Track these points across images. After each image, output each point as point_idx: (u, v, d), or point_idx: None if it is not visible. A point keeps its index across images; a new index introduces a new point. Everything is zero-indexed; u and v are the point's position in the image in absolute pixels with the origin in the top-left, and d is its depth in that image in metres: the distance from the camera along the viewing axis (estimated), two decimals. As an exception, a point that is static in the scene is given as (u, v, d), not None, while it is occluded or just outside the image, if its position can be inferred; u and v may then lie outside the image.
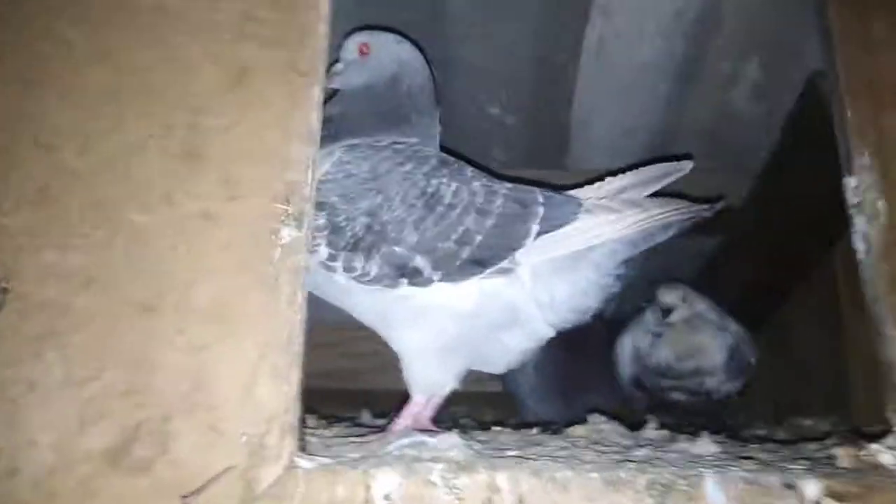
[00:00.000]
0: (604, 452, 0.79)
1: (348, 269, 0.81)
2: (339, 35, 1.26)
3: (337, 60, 1.05)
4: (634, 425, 1.00)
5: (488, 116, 1.50)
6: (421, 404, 0.90)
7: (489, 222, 0.83)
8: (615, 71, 1.38)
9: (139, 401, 0.62)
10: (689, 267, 1.80)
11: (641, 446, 0.83)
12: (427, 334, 0.86)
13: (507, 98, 1.46)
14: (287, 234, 0.67)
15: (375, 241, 0.81)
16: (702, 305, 1.39)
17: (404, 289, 0.82)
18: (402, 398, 0.91)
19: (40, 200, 0.68)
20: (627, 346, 1.48)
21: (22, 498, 0.60)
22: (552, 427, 1.03)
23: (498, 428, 0.94)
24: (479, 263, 0.83)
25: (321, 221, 0.81)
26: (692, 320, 1.40)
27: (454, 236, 0.82)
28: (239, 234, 0.67)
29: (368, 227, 0.81)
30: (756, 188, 1.52)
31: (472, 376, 2.15)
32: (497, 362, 0.97)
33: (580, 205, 0.88)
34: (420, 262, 0.81)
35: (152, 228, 0.67)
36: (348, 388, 1.90)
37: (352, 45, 1.05)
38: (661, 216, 0.90)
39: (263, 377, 0.63)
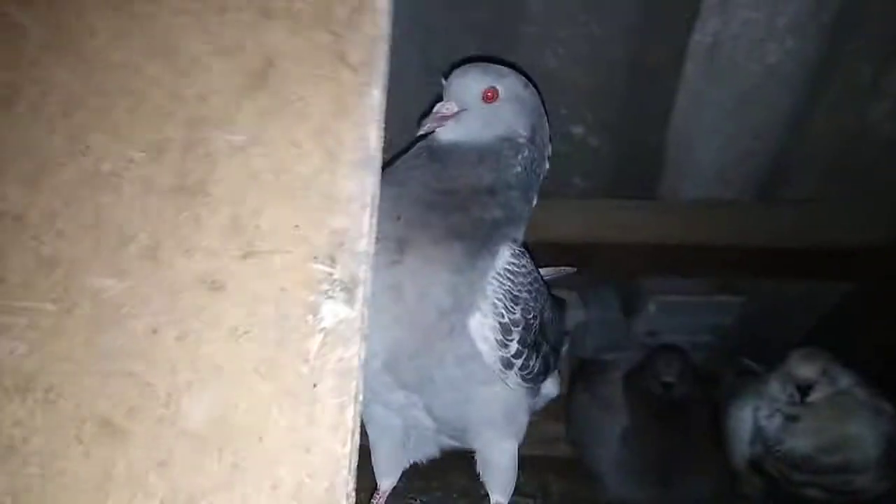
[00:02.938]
0: None
1: (524, 366, 0.79)
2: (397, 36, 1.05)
3: (437, 100, 0.82)
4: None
5: (569, 137, 1.25)
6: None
7: None
8: (728, 80, 1.13)
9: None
10: (810, 312, 1.51)
11: None
12: (520, 435, 0.86)
13: (593, 115, 1.21)
14: (332, 311, 0.43)
15: (541, 341, 0.83)
16: (847, 380, 1.10)
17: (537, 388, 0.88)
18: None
19: None
20: (746, 421, 1.19)
21: None
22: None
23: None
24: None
25: (516, 316, 0.77)
26: (839, 401, 1.10)
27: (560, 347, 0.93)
28: (257, 313, 0.43)
29: (542, 325, 0.82)
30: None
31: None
32: None
33: None
34: (553, 363, 0.88)
35: (128, 302, 0.44)
36: None
37: (474, 87, 0.80)
38: None
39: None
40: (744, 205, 1.33)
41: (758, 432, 1.16)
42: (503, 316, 0.75)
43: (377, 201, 0.46)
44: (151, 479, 0.40)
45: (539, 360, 0.82)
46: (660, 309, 1.62)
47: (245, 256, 0.43)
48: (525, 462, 1.88)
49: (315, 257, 0.43)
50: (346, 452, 0.40)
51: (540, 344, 0.82)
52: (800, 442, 1.07)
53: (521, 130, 0.83)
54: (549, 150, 0.89)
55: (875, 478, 1.06)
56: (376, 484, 0.90)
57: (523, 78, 0.87)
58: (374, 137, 0.46)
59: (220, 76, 0.48)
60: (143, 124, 0.47)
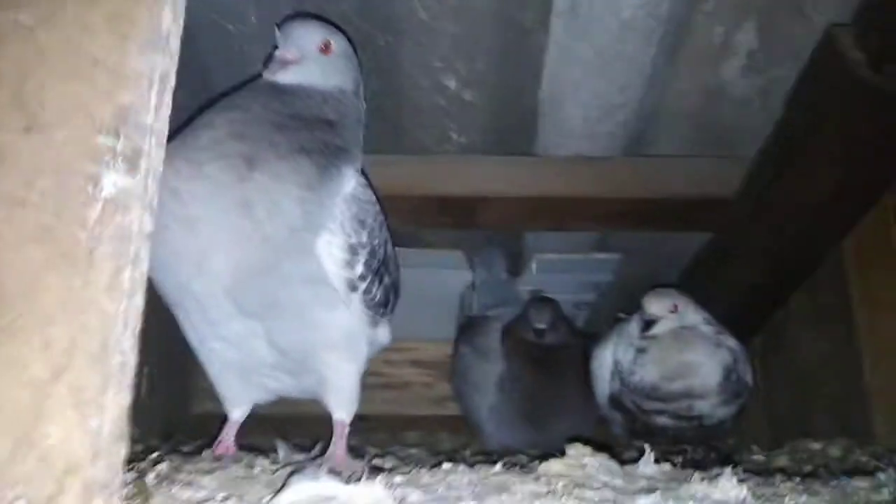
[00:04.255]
0: (593, 501, 0.56)
1: (367, 290, 0.83)
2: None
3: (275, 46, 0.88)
4: (625, 459, 0.77)
5: (444, 90, 1.28)
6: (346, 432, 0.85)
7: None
8: (590, 36, 1.17)
9: None
10: (674, 268, 1.60)
11: (643, 490, 0.61)
12: (361, 361, 0.89)
13: (467, 69, 1.24)
14: (112, 181, 0.43)
15: (383, 271, 0.87)
16: (696, 317, 1.18)
17: (377, 319, 0.89)
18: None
19: None
20: (607, 360, 1.26)
21: None
22: (519, 461, 0.80)
23: (448, 465, 0.70)
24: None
25: (363, 239, 0.80)
26: (682, 334, 1.18)
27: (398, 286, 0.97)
28: (36, 183, 0.43)
29: (385, 257, 0.87)
30: (751, 177, 1.32)
31: (427, 398, 1.92)
32: None
33: None
34: (392, 300, 0.93)
35: None
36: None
37: (314, 38, 0.88)
38: None
39: (58, 405, 0.39)
40: (613, 159, 1.40)
41: (615, 367, 1.23)
42: (350, 237, 0.77)
43: (169, 81, 0.46)
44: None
45: (381, 289, 0.86)
46: (542, 268, 1.68)
47: (26, 130, 0.43)
48: (416, 421, 1.92)
49: (98, 131, 0.44)
50: (122, 310, 0.41)
51: (382, 274, 0.86)
52: (647, 371, 1.15)
53: (351, 85, 0.91)
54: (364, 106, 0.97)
55: (716, 403, 1.14)
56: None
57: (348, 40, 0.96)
58: (166, 20, 0.47)
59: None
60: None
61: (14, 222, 0.42)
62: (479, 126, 1.37)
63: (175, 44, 0.48)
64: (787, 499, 0.60)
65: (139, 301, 0.42)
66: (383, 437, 1.40)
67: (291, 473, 0.55)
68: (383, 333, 0.95)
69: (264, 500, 0.50)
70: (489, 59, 1.23)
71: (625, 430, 1.26)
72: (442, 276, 1.68)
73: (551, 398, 1.36)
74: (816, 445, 1.19)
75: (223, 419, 0.90)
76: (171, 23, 0.47)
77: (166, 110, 0.46)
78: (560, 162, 1.41)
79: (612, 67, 1.22)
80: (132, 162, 0.44)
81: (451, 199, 1.40)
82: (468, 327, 1.56)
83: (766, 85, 1.26)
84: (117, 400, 0.40)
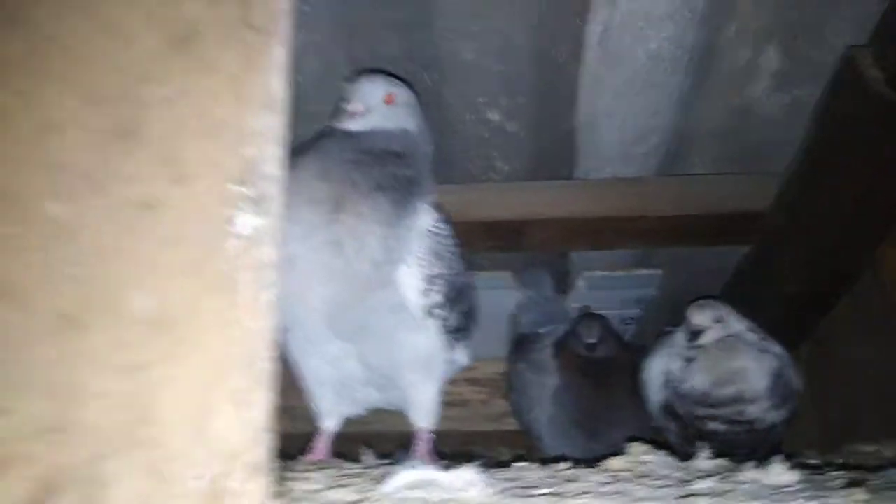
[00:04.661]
0: (657, 487, 0.63)
1: (444, 317, 0.93)
2: (321, 32, 1.16)
3: (343, 100, 1.00)
4: (683, 456, 0.84)
5: (488, 123, 1.38)
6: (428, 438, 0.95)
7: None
8: (621, 66, 1.26)
9: (62, 440, 0.47)
10: (716, 281, 1.65)
11: (700, 478, 0.68)
12: (439, 379, 1.00)
13: (508, 102, 1.34)
14: (245, 222, 0.53)
15: (458, 298, 0.96)
16: (739, 326, 1.24)
17: (453, 343, 1.00)
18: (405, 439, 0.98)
19: (-61, 198, 0.54)
20: (656, 371, 1.32)
21: None
22: (585, 461, 0.87)
23: (522, 463, 0.78)
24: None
25: (439, 271, 0.90)
26: (728, 342, 1.24)
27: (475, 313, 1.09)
28: (185, 226, 0.53)
29: (460, 285, 0.96)
30: (783, 191, 1.38)
31: (485, 415, 1.98)
32: None
33: None
34: (469, 326, 1.05)
35: (77, 222, 0.53)
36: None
37: (378, 92, 1.00)
38: None
39: (221, 403, 0.48)
40: (649, 179, 1.48)
41: (666, 377, 1.28)
42: (426, 269, 0.87)
43: (280, 135, 0.56)
44: (108, 359, 0.50)
45: (456, 314, 0.94)
46: (589, 285, 1.75)
47: (174, 182, 0.53)
48: (476, 436, 1.98)
49: (230, 180, 0.53)
50: (261, 327, 0.50)
51: (457, 302, 0.94)
52: (697, 379, 1.20)
53: (414, 128, 1.03)
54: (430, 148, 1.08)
55: (766, 408, 1.19)
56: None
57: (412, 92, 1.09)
58: (276, 84, 0.57)
59: (149, 42, 0.58)
60: (86, 82, 0.56)
61: (170, 258, 0.51)
62: (521, 154, 1.46)
63: (284, 104, 0.58)
64: (836, 482, 0.66)
65: (272, 319, 0.51)
66: (447, 453, 1.47)
67: (390, 468, 0.63)
68: (461, 355, 1.04)
69: (377, 487, 0.58)
70: (529, 92, 1.33)
71: (679, 438, 1.31)
72: (492, 297, 1.75)
73: (605, 409, 1.41)
74: (869, 448, 1.22)
75: (308, 436, 0.99)
76: (280, 86, 0.57)
77: (282, 160, 0.55)
78: (599, 184, 1.50)
79: (643, 94, 1.31)
80: (259, 205, 0.53)
81: (498, 224, 1.49)
82: (521, 344, 1.63)
83: (791, 103, 1.32)
84: (264, 399, 0.49)
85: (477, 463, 0.56)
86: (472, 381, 1.92)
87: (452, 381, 1.98)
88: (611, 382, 1.44)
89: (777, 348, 1.23)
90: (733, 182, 1.47)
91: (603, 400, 1.42)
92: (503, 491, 0.56)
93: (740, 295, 1.50)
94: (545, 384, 1.46)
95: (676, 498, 0.55)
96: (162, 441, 0.48)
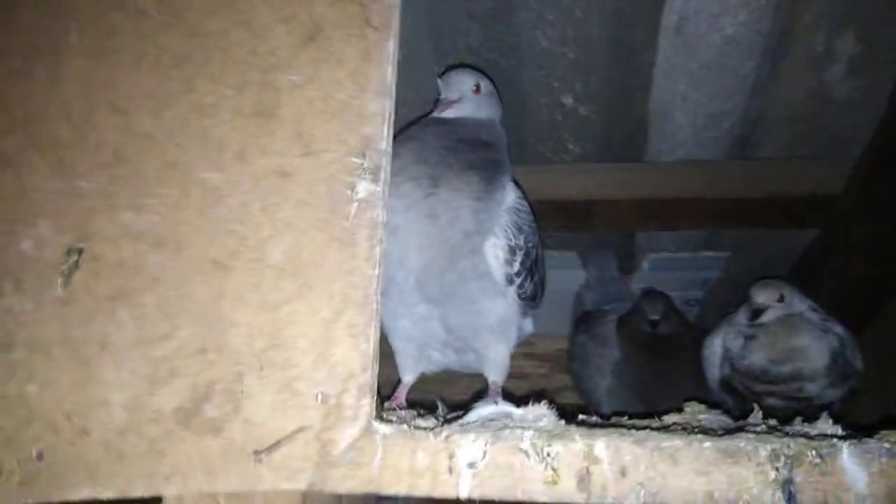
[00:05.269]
0: (713, 430, 0.71)
1: (521, 285, 1.00)
2: (407, 24, 1.25)
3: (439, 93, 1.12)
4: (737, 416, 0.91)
5: (561, 107, 1.44)
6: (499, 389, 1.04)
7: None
8: (695, 51, 1.31)
9: (212, 359, 0.60)
10: (781, 265, 1.68)
11: (752, 429, 0.75)
12: (512, 342, 1.09)
13: (581, 86, 1.40)
14: (363, 188, 0.63)
15: (534, 269, 1.03)
16: (801, 305, 1.27)
17: (527, 310, 1.08)
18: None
19: (115, 163, 0.67)
20: (717, 347, 1.37)
21: (92, 458, 0.57)
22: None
23: (582, 416, 0.86)
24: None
25: (521, 242, 0.97)
26: (789, 320, 1.28)
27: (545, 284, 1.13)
28: (314, 190, 0.64)
29: (536, 257, 1.03)
30: (856, 174, 1.40)
31: (546, 388, 2.06)
32: None
33: None
34: (540, 295, 1.10)
35: (226, 187, 0.65)
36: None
37: (468, 82, 1.12)
38: None
39: (340, 335, 0.59)
40: (720, 162, 1.51)
41: (725, 354, 1.34)
42: (511, 240, 0.96)
43: (392, 117, 0.66)
44: (249, 297, 0.61)
45: (532, 284, 1.03)
46: (653, 266, 1.80)
47: (305, 155, 0.64)
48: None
49: (351, 154, 0.64)
50: (375, 274, 0.61)
51: (534, 272, 1.03)
52: (756, 356, 1.25)
53: (495, 116, 1.14)
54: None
55: (823, 385, 1.23)
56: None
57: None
58: (389, 74, 0.67)
59: (283, 37, 0.69)
60: (232, 72, 0.68)
61: (303, 213, 0.63)
62: (593, 137, 1.52)
63: (394, 90, 0.68)
64: (879, 434, 0.72)
65: (381, 269, 0.62)
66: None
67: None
68: (528, 324, 1.14)
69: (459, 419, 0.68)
70: (602, 77, 1.38)
71: (736, 412, 1.37)
72: (556, 276, 1.83)
73: (664, 382, 1.47)
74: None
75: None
76: (392, 75, 0.67)
77: (391, 138, 0.66)
78: (668, 166, 1.54)
79: (717, 79, 1.35)
80: (374, 174, 0.63)
81: (567, 203, 1.56)
82: (584, 320, 1.71)
83: (867, 86, 1.34)
84: (375, 333, 0.60)
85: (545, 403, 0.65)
86: (532, 356, 2.00)
87: (513, 356, 2.08)
88: (671, 358, 1.50)
89: (839, 328, 1.27)
90: (805, 165, 1.49)
91: (662, 374, 1.48)
92: (572, 424, 0.65)
93: (806, 277, 1.53)
94: (607, 356, 1.53)
95: (722, 435, 0.62)
96: (291, 363, 0.59)
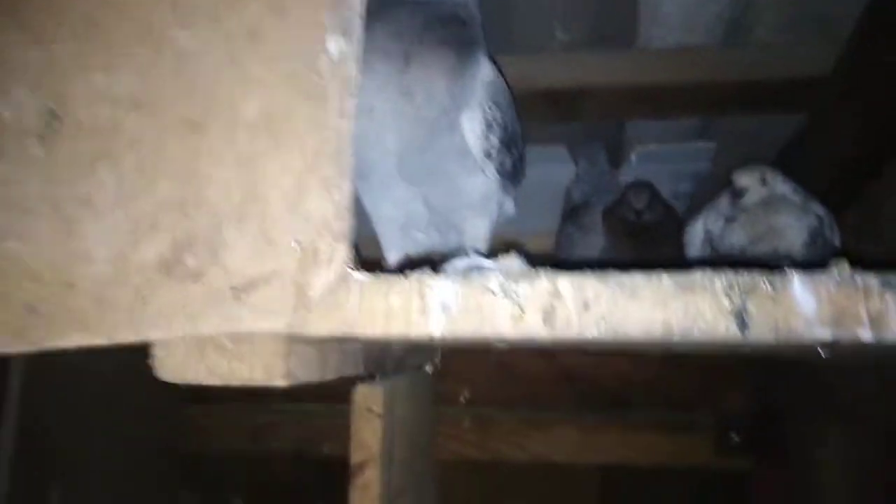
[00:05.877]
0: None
1: (499, 159, 1.00)
2: None
3: None
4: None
5: (548, -10, 1.41)
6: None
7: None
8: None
9: (190, 213, 0.62)
10: (769, 156, 1.68)
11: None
12: (492, 218, 1.10)
13: (568, -34, 1.37)
14: (334, 45, 0.63)
15: (512, 144, 1.03)
16: (784, 187, 1.28)
17: (507, 188, 1.08)
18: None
19: (85, 26, 0.67)
20: (698, 230, 1.39)
21: (79, 309, 0.60)
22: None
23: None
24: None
25: (497, 115, 0.97)
26: (770, 202, 1.29)
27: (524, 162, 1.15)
28: (285, 48, 0.64)
29: (513, 132, 1.03)
30: (844, 56, 1.38)
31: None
32: None
33: None
34: (519, 172, 1.11)
35: (197, 47, 0.65)
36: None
37: None
38: None
39: (313, 186, 0.61)
40: (710, 48, 1.49)
41: (707, 236, 1.36)
42: (486, 113, 0.96)
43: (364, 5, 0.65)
44: (224, 153, 0.62)
45: (510, 159, 1.03)
46: (641, 158, 1.80)
47: (275, 12, 0.64)
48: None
49: (323, 8, 0.64)
50: (346, 127, 0.62)
51: (511, 146, 1.03)
52: (736, 235, 1.27)
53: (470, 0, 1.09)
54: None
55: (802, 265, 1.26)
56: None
57: None
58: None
59: None
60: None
61: (274, 71, 0.63)
62: (581, 24, 1.49)
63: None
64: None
65: (353, 122, 0.63)
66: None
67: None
68: (509, 205, 1.15)
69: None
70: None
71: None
72: (546, 170, 1.83)
73: (647, 267, 1.51)
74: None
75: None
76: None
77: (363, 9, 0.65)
78: (658, 53, 1.52)
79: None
80: (347, 33, 0.63)
81: (556, 92, 1.55)
82: (572, 211, 1.73)
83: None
84: (347, 185, 0.61)
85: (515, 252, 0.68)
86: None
87: (506, 254, 2.11)
88: (655, 246, 1.53)
89: (819, 209, 1.28)
90: (796, 48, 1.47)
91: (646, 259, 1.52)
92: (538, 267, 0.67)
93: (792, 163, 1.54)
94: (591, 242, 1.56)
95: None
96: (267, 214, 0.61)
